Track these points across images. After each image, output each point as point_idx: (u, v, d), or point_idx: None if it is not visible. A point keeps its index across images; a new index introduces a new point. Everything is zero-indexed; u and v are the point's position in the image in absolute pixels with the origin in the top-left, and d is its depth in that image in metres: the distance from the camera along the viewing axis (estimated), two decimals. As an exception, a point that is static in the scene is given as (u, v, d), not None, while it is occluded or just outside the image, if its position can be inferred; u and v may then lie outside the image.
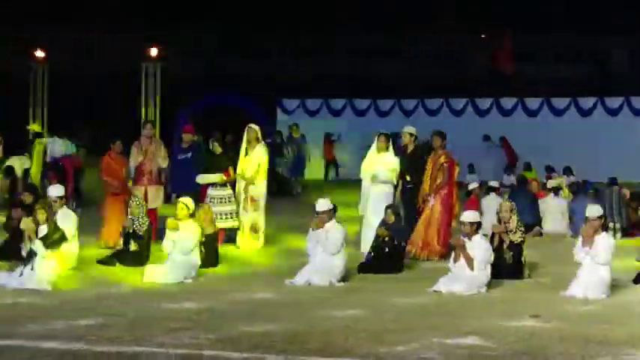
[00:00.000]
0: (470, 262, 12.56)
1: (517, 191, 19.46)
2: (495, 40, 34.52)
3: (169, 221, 13.71)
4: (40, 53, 26.22)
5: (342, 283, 13.11)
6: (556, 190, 19.33)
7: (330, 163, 32.42)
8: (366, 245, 15.12)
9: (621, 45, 34.36)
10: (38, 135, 22.33)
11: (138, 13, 34.55)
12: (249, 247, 16.52)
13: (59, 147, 23.38)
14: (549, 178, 21.25)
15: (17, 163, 22.09)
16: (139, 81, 26.36)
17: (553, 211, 18.86)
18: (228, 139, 21.56)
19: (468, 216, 12.94)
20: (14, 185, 21.46)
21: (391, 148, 16.06)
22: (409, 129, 16.38)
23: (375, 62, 36.27)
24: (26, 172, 21.94)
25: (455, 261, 12.75)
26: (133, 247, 14.71)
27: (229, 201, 16.72)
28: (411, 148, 16.15)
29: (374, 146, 16.12)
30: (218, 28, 35.35)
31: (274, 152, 28.99)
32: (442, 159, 15.64)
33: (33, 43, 26.68)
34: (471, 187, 19.23)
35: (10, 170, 21.90)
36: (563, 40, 34.21)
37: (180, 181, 16.97)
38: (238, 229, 16.66)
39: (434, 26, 33.89)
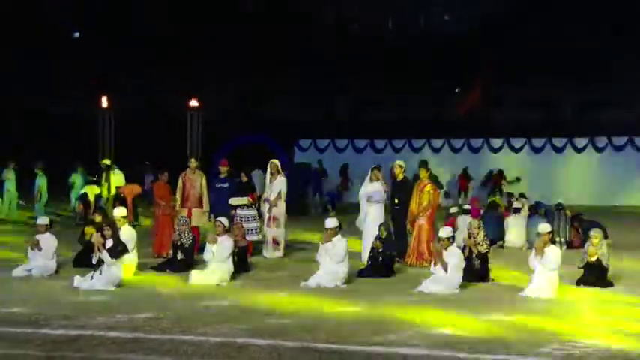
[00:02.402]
0: (445, 266, 12.58)
1: (488, 212, 19.45)
2: (469, 88, 34.68)
3: (209, 236, 13.76)
4: (105, 101, 26.27)
5: (345, 285, 13.11)
6: (517, 210, 19.31)
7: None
8: (366, 254, 14.93)
9: (565, 96, 34.84)
10: (109, 168, 22.34)
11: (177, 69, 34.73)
12: (272, 256, 16.53)
13: (119, 178, 23.48)
14: (510, 202, 21.20)
15: (89, 190, 22.17)
16: (183, 125, 26.55)
17: (514, 227, 18.82)
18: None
19: (445, 232, 12.97)
20: (87, 208, 21.55)
21: (382, 177, 16.03)
22: (399, 162, 16.35)
23: (370, 110, 36.41)
24: (96, 197, 22.00)
25: (435, 264, 12.80)
26: (180, 256, 14.74)
27: (254, 219, 16.77)
28: (400, 177, 16.11)
29: (368, 176, 16.11)
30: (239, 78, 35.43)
31: (320, 177, 28.96)
32: (428, 187, 15.63)
33: (99, 91, 26.80)
34: (452, 210, 19.26)
35: (84, 196, 22.02)
36: (522, 91, 34.54)
37: (217, 205, 16.98)
38: (264, 242, 16.68)
39: (421, 87, 34.23)
